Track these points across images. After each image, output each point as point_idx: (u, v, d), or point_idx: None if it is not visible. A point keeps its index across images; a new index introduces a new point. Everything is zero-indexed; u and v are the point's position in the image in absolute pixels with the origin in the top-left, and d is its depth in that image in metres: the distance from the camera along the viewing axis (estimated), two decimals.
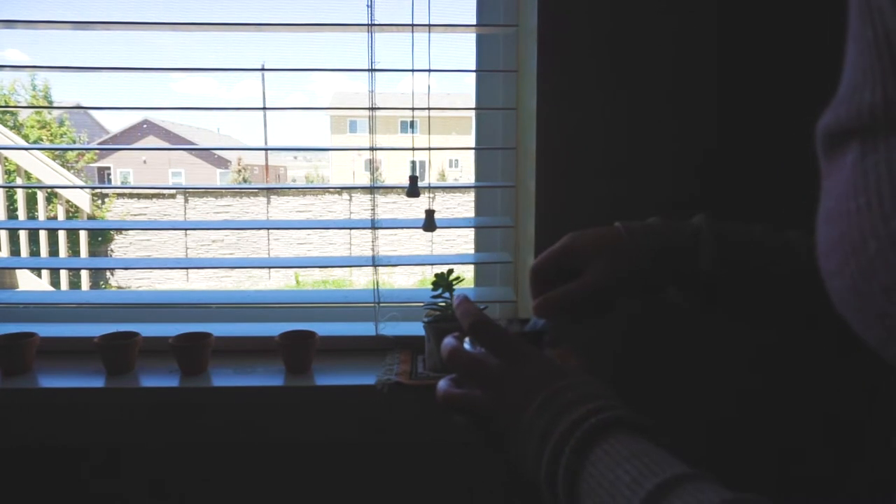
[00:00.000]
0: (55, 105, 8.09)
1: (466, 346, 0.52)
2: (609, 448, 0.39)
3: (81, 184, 4.70)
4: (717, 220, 0.58)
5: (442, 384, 0.51)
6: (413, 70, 0.94)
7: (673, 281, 0.59)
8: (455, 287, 0.89)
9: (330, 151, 3.65)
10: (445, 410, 0.50)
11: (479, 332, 0.50)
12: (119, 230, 7.98)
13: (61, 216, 2.91)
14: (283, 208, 9.81)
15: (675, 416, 0.90)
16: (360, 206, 9.63)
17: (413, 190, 0.96)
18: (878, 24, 0.25)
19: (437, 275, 0.89)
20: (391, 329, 1.00)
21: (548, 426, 0.42)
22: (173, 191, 10.20)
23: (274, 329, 0.95)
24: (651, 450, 0.38)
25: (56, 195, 2.93)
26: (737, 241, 0.57)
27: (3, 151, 2.57)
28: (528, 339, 0.54)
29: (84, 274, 3.21)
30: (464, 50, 1.02)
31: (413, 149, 0.97)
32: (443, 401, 0.50)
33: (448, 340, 0.52)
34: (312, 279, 8.53)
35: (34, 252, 2.80)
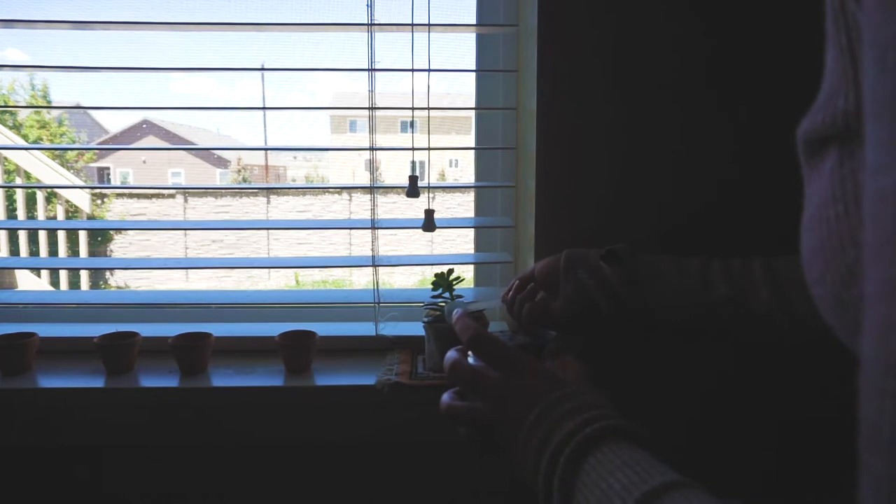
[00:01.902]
0: (55, 105, 8.08)
1: (470, 359, 0.52)
2: (602, 457, 0.40)
3: (81, 184, 4.70)
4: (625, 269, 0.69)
5: (445, 397, 0.53)
6: (413, 70, 0.94)
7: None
8: (455, 287, 0.89)
9: (330, 151, 3.64)
10: (449, 422, 0.51)
11: (479, 345, 0.51)
12: (119, 230, 7.98)
13: (61, 216, 2.91)
14: (282, 208, 9.81)
15: (675, 423, 0.91)
16: (359, 206, 9.63)
17: (413, 190, 0.96)
18: (853, 31, 0.25)
19: (437, 275, 0.89)
20: (391, 329, 1.00)
21: (545, 436, 0.43)
22: (173, 191, 10.19)
23: (274, 329, 0.95)
24: (643, 458, 0.39)
25: (56, 195, 2.93)
26: (634, 298, 0.68)
27: (2, 151, 2.57)
28: (529, 350, 0.55)
29: (84, 274, 3.21)
30: (464, 50, 1.02)
31: (413, 149, 0.97)
32: (446, 413, 0.51)
33: (450, 354, 0.53)
34: (312, 279, 8.52)
35: (34, 252, 2.80)
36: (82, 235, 3.08)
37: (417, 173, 0.97)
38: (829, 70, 0.27)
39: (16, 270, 2.68)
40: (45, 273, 2.90)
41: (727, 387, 0.93)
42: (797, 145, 0.30)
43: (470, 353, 0.53)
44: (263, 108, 1.32)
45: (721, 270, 0.65)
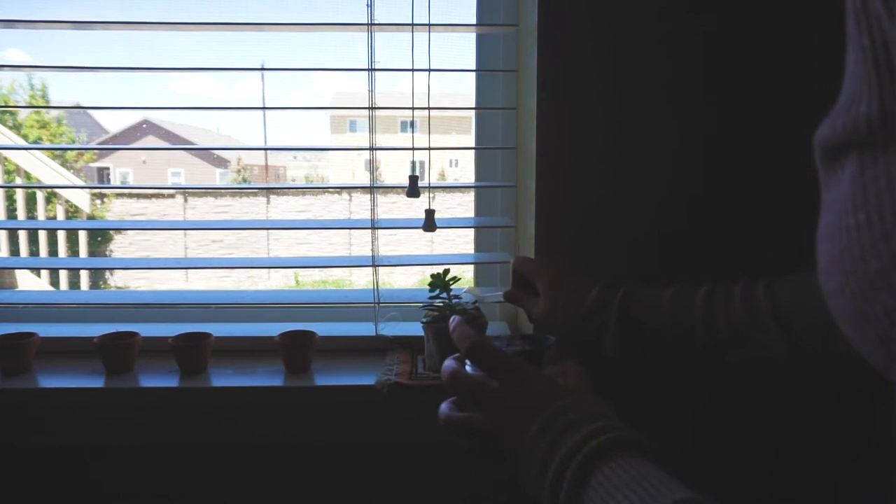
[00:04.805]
0: (55, 105, 8.08)
1: (468, 368, 0.51)
2: (609, 472, 0.38)
3: (81, 184, 4.70)
4: (627, 305, 0.67)
5: (444, 407, 0.51)
6: (413, 70, 0.94)
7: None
8: (452, 287, 0.89)
9: (330, 151, 3.64)
10: (448, 433, 0.50)
11: (478, 354, 0.50)
12: (119, 230, 7.97)
13: (61, 216, 2.91)
14: (282, 208, 9.79)
15: (676, 426, 0.90)
16: (359, 206, 9.61)
17: (413, 190, 0.96)
18: (876, 33, 0.24)
19: (432, 275, 0.89)
20: (391, 329, 1.00)
21: (549, 449, 0.42)
22: (173, 191, 10.19)
23: (274, 329, 0.95)
24: (651, 473, 0.38)
25: (56, 195, 2.92)
26: (639, 330, 0.66)
27: (2, 151, 2.56)
28: (529, 357, 0.53)
29: (84, 274, 3.20)
30: (464, 50, 1.02)
31: (413, 149, 0.97)
32: (445, 424, 0.50)
33: (448, 363, 0.52)
34: (312, 279, 8.51)
35: (34, 252, 2.79)
36: (82, 235, 3.08)
37: (417, 173, 0.97)
38: (850, 73, 0.26)
39: (16, 270, 2.68)
40: (45, 273, 2.90)
41: (729, 391, 0.93)
42: (814, 151, 0.29)
43: (468, 362, 0.52)
44: (263, 108, 1.32)
45: (728, 326, 0.61)
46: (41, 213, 2.80)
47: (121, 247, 8.87)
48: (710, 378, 0.92)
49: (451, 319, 0.54)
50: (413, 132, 0.97)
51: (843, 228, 0.26)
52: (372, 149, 0.98)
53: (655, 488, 0.36)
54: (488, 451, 0.48)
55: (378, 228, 0.99)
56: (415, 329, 0.99)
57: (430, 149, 0.97)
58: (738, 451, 0.95)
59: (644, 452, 0.40)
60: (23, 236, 2.59)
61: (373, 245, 1.00)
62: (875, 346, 0.25)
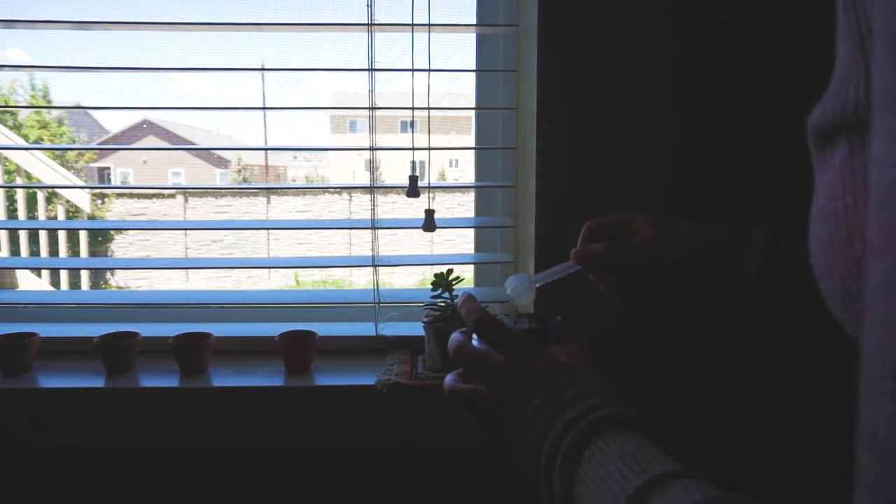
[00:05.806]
0: (55, 105, 8.08)
1: (475, 342, 0.52)
2: (603, 445, 0.39)
3: (81, 184, 4.70)
4: (774, 235, 0.61)
5: (449, 379, 0.52)
6: (413, 70, 0.94)
7: (715, 288, 0.61)
8: (455, 287, 0.89)
9: (330, 151, 3.64)
10: (451, 404, 0.51)
11: (484, 329, 0.50)
12: (119, 230, 7.97)
13: (61, 216, 2.91)
14: (282, 208, 9.80)
15: (675, 412, 0.90)
16: (359, 206, 9.61)
17: (413, 190, 0.96)
18: (862, 20, 0.25)
19: (436, 275, 0.89)
20: (391, 329, 1.00)
21: (547, 422, 0.43)
22: (173, 191, 10.20)
23: (274, 329, 0.95)
24: (644, 447, 0.38)
25: (56, 195, 2.92)
26: (787, 257, 0.59)
27: (3, 151, 2.57)
28: (535, 336, 0.54)
29: (84, 274, 3.20)
30: (464, 50, 1.02)
31: (413, 149, 0.97)
32: (449, 395, 0.51)
33: (455, 336, 0.53)
34: (312, 279, 8.51)
35: (34, 252, 2.79)
36: (82, 235, 3.08)
37: (417, 173, 0.97)
38: (840, 59, 0.27)
39: (16, 270, 2.68)
40: (45, 273, 2.90)
41: (751, 401, 0.93)
42: (807, 135, 0.30)
43: (475, 336, 0.53)
44: (263, 108, 1.32)
45: None
46: (42, 213, 2.80)
47: (121, 247, 8.87)
48: (732, 389, 0.92)
49: (460, 296, 0.55)
50: (413, 132, 0.97)
51: (832, 211, 0.26)
52: (372, 149, 0.98)
53: (646, 461, 0.37)
54: (489, 423, 0.49)
55: (378, 228, 0.99)
56: (415, 329, 0.99)
57: (430, 149, 0.97)
58: (755, 455, 0.95)
59: (641, 430, 0.41)
60: (23, 236, 2.59)
61: (373, 245, 1.00)
62: (860, 327, 0.26)
